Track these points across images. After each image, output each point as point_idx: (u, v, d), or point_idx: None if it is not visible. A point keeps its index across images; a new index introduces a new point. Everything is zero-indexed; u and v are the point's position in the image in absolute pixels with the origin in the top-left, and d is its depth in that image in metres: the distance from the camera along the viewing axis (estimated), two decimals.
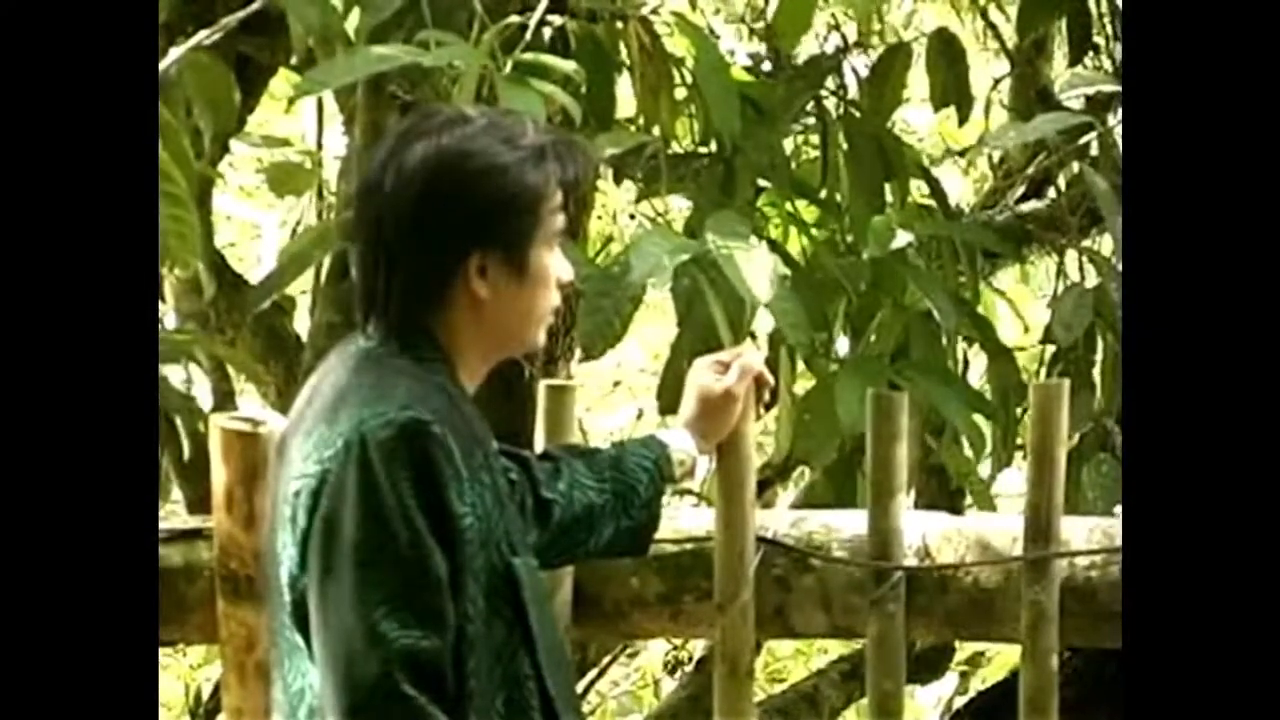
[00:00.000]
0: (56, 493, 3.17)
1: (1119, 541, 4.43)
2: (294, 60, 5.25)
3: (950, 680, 8.14)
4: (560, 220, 3.72)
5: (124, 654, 3.18)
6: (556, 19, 5.31)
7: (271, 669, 3.80)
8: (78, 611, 3.16)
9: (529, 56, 5.04)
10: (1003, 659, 7.23)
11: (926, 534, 4.44)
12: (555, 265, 3.74)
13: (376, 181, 3.67)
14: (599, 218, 7.46)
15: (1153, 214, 3.51)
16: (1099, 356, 5.60)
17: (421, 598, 3.54)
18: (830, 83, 5.93)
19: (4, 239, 3.23)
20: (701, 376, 4.19)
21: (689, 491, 5.42)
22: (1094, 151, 5.83)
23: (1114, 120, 5.76)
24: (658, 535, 4.35)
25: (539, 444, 4.51)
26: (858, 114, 5.85)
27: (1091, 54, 6.19)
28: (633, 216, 6.99)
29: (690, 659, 7.91)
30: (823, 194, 5.79)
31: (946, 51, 6.01)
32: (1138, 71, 3.60)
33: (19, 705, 3.14)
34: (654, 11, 5.68)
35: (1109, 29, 6.22)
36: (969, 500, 5.81)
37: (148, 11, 3.45)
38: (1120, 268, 5.60)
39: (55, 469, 3.18)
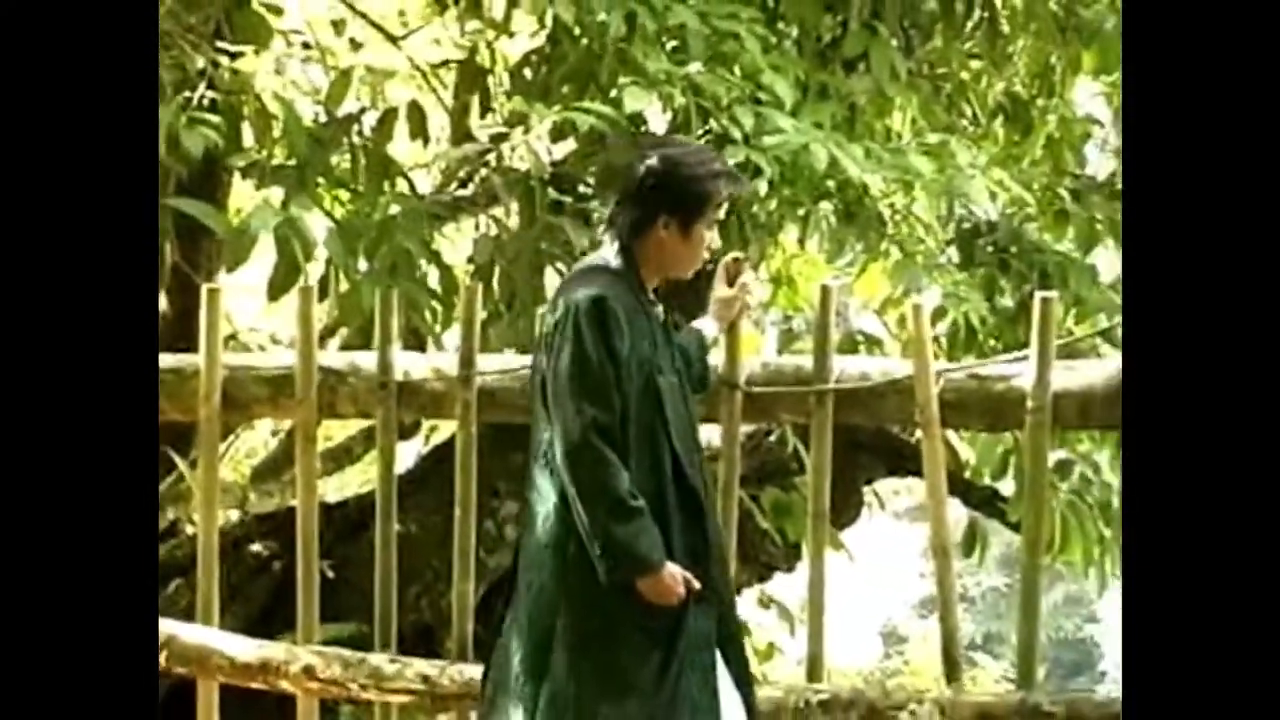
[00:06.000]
0: (70, 449, 2.81)
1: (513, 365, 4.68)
2: None
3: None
4: (718, 213, 4.06)
5: (126, 546, 2.86)
6: (210, 94, 5.73)
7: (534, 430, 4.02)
8: (89, 520, 2.81)
9: (197, 113, 5.54)
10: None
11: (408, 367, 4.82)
12: (708, 237, 4.03)
13: (626, 165, 4.10)
14: (234, 200, 7.27)
15: (1151, 217, 2.86)
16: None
17: (602, 391, 3.82)
18: (356, 127, 6.08)
19: (28, 247, 2.82)
20: (719, 290, 4.35)
21: None
22: (494, 162, 5.93)
23: (506, 146, 5.79)
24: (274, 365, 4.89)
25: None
26: (371, 143, 6.06)
27: (491, 112, 6.28)
28: (251, 197, 6.76)
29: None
30: (353, 185, 6.11)
31: (415, 113, 6.17)
32: (1138, 77, 2.95)
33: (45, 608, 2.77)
34: (261, 90, 5.92)
35: (500, 98, 6.27)
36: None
37: (148, 20, 3.12)
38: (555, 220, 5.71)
39: (68, 431, 2.81)
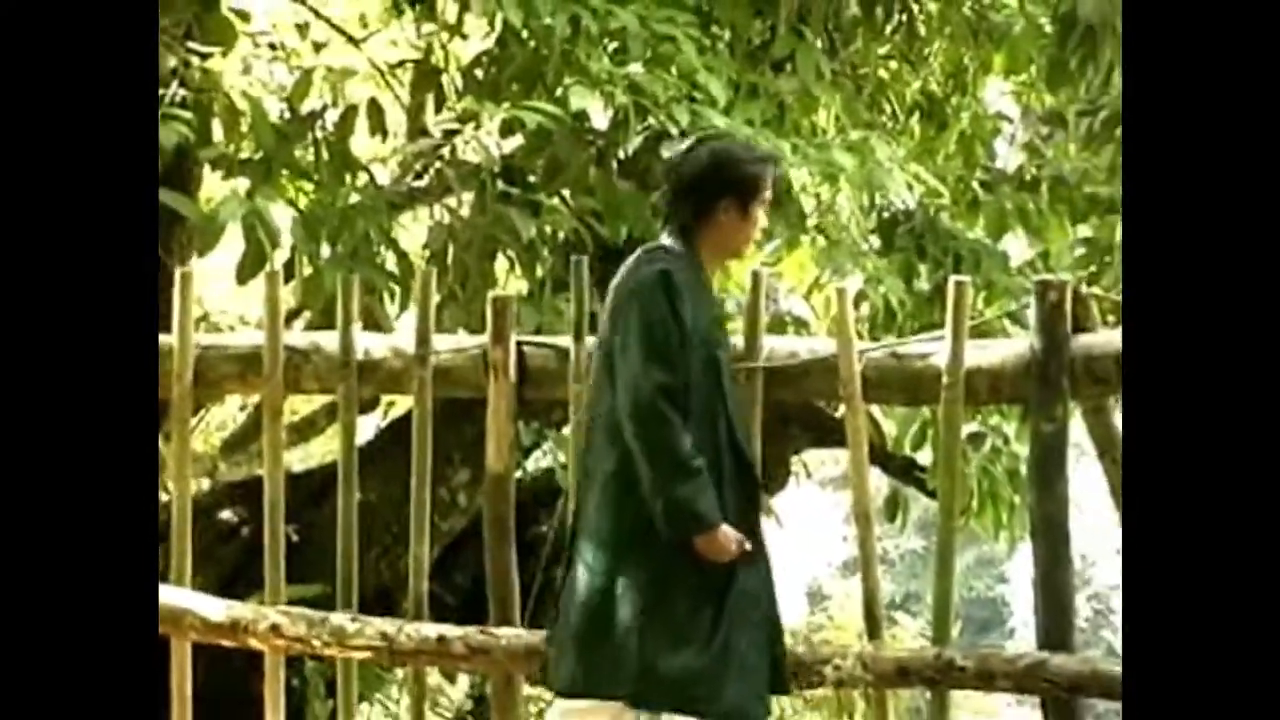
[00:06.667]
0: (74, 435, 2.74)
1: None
2: None
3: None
4: (767, 195, 4.10)
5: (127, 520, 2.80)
6: (182, 91, 5.79)
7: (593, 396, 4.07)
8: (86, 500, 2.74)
9: (170, 110, 5.60)
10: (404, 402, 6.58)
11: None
12: (760, 218, 4.09)
13: (681, 160, 4.07)
14: (204, 191, 7.14)
15: (1152, 219, 2.68)
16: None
17: (669, 357, 3.83)
18: (319, 122, 6.06)
19: (32, 247, 2.74)
20: None
21: None
22: (447, 156, 5.96)
23: (459, 140, 5.83)
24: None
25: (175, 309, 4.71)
26: (332, 138, 6.05)
27: (447, 109, 6.24)
28: (220, 188, 6.68)
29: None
30: (315, 177, 6.10)
31: (375, 112, 6.14)
32: (1138, 81, 2.78)
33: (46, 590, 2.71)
34: (230, 88, 5.98)
35: (453, 96, 6.22)
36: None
37: (148, 18, 2.98)
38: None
39: (71, 421, 2.73)
